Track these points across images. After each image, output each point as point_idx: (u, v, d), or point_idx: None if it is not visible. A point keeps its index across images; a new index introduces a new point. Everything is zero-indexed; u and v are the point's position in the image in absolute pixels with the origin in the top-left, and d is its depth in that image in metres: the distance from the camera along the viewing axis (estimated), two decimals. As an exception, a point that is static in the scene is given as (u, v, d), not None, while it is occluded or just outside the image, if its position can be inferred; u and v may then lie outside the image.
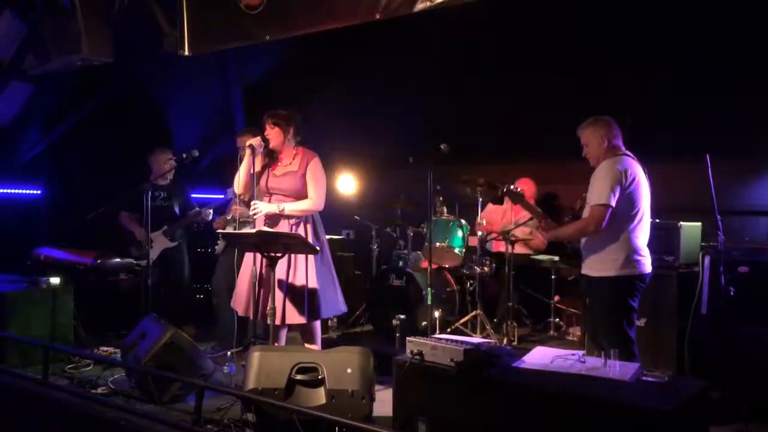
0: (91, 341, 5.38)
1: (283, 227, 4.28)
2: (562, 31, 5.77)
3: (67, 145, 7.15)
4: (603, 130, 3.86)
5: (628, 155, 3.85)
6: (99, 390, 4.38)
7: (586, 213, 3.82)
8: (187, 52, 5.16)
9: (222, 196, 5.69)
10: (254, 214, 4.29)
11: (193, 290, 6.49)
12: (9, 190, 7.17)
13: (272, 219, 4.32)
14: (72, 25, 5.10)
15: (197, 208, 5.91)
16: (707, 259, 4.08)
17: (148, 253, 5.21)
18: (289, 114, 4.38)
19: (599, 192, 3.69)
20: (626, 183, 3.70)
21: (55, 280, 5.27)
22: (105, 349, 5.24)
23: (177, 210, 5.95)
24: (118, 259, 5.89)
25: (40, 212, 7.27)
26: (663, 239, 4.26)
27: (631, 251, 3.72)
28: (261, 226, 4.24)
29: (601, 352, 3.29)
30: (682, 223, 4.29)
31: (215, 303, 5.60)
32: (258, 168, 4.35)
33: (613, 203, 3.66)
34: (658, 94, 5.43)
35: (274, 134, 4.33)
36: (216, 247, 5.69)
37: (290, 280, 4.26)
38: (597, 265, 3.79)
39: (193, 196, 6.22)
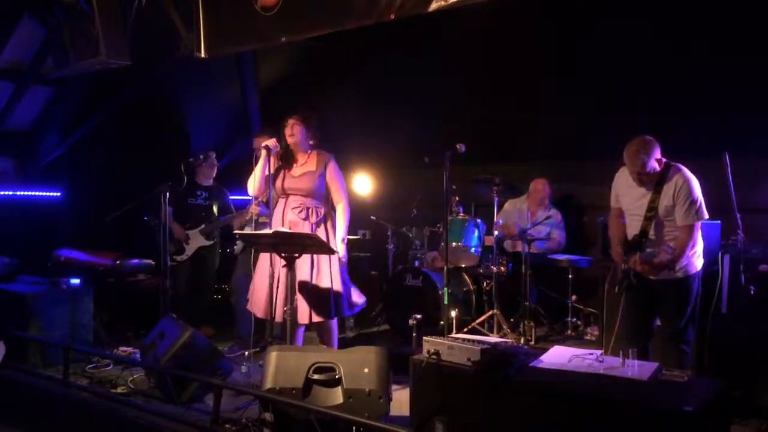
0: (111, 341, 5.44)
1: (305, 228, 4.30)
2: (579, 31, 5.74)
3: (87, 148, 7.22)
4: (657, 151, 3.80)
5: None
6: (119, 389, 4.43)
7: (666, 229, 3.82)
8: (203, 54, 5.19)
9: (250, 197, 5.76)
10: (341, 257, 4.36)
11: (212, 291, 6.55)
12: (30, 193, 7.26)
13: (293, 220, 4.34)
14: (90, 28, 5.15)
15: (234, 213, 6.00)
16: (727, 258, 4.04)
17: (168, 253, 5.26)
18: (311, 113, 4.41)
19: (692, 212, 3.74)
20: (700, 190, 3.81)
21: (75, 281, 5.33)
22: (124, 349, 5.29)
23: (216, 211, 6.07)
24: (137, 260, 5.95)
25: (61, 214, 7.35)
26: (682, 238, 4.23)
27: (701, 248, 3.90)
28: (279, 227, 4.27)
29: (625, 352, 3.26)
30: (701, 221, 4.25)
31: (233, 302, 5.64)
32: (273, 169, 4.37)
33: (707, 216, 3.79)
34: (675, 92, 5.39)
35: (297, 131, 4.34)
36: (235, 247, 5.73)
37: (314, 279, 4.28)
38: (681, 267, 3.82)
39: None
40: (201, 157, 5.59)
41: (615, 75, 5.62)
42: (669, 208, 3.77)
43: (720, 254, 4.09)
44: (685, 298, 3.85)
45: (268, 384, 3.54)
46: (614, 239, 4.07)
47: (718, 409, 2.97)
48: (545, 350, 3.54)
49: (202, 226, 5.96)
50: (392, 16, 4.13)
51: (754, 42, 4.91)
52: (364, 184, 6.91)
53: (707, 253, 4.20)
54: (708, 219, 3.81)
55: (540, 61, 6.05)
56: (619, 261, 3.94)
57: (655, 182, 3.79)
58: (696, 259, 3.88)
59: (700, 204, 3.75)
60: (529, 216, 6.01)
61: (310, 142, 4.42)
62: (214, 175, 6.13)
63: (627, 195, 3.98)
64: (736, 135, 4.88)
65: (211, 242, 6.04)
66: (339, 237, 4.35)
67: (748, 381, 3.86)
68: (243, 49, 5.44)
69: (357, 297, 4.52)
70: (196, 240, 5.97)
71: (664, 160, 3.84)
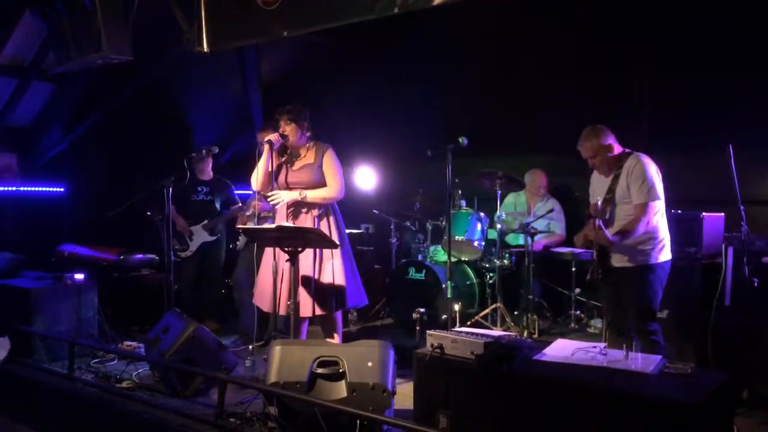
0: (115, 336, 5.45)
1: (307, 221, 4.31)
2: (580, 24, 5.73)
3: (89, 144, 7.23)
4: (606, 138, 3.95)
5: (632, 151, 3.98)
6: (123, 384, 4.44)
7: (621, 211, 3.87)
8: (205, 49, 5.17)
9: (251, 192, 5.75)
10: (276, 204, 4.32)
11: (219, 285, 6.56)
12: (33, 188, 7.27)
13: (295, 214, 4.35)
14: (92, 24, 5.14)
15: (240, 204, 5.98)
16: (730, 250, 4.03)
17: (171, 249, 5.27)
18: (301, 108, 4.41)
19: (647, 190, 3.78)
20: (659, 176, 3.85)
21: (79, 277, 5.34)
22: (129, 343, 5.31)
23: (218, 206, 6.04)
24: (140, 255, 5.95)
25: (64, 210, 7.37)
26: (685, 230, 4.22)
27: (663, 239, 3.89)
28: (283, 221, 4.28)
29: (627, 344, 3.28)
30: (704, 213, 4.25)
31: (237, 298, 5.65)
32: (275, 164, 4.38)
33: (661, 197, 3.81)
34: (678, 85, 5.37)
35: (290, 130, 4.36)
36: (237, 242, 5.73)
37: (317, 272, 4.30)
38: (633, 256, 3.85)
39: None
40: (204, 151, 5.59)
41: (617, 68, 5.61)
42: (624, 190, 3.88)
43: (724, 246, 4.08)
44: (642, 288, 3.84)
45: (272, 378, 3.55)
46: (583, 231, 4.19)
47: (721, 400, 2.97)
48: (548, 343, 3.54)
49: (205, 222, 5.96)
50: (396, 10, 4.11)
51: (756, 32, 4.89)
52: (366, 177, 6.91)
53: (711, 245, 4.20)
54: (654, 199, 3.79)
55: (541, 55, 6.03)
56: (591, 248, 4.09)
57: (614, 169, 3.94)
58: (658, 251, 3.86)
59: (653, 185, 3.80)
60: (529, 208, 6.00)
61: (307, 134, 4.43)
62: (209, 169, 6.09)
63: (597, 188, 4.11)
64: (739, 127, 4.87)
65: (215, 237, 6.04)
66: (308, 192, 4.29)
67: (752, 373, 3.86)
68: (244, 43, 5.43)
69: (360, 293, 4.52)
70: (200, 236, 5.98)
71: (626, 150, 3.97)
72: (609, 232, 3.82)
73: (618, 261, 3.91)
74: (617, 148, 3.96)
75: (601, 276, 3.98)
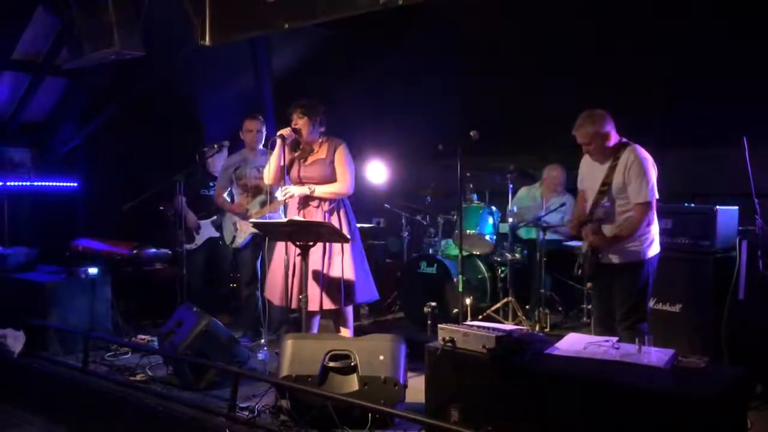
0: (129, 330, 5.49)
1: (318, 215, 4.32)
2: (594, 17, 5.68)
3: (103, 138, 7.28)
4: (605, 124, 3.81)
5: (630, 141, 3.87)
6: (137, 377, 4.47)
7: (617, 206, 3.80)
8: (207, 42, 5.14)
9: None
10: (286, 197, 4.33)
11: (228, 280, 6.58)
12: (47, 183, 7.33)
13: (306, 208, 4.36)
14: (104, 19, 5.17)
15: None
16: (744, 244, 4.00)
17: (183, 243, 5.29)
18: (315, 103, 4.40)
19: (644, 189, 3.68)
20: (655, 171, 3.76)
21: (93, 271, 5.38)
22: (142, 337, 5.34)
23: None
24: (154, 250, 5.98)
25: (78, 204, 7.43)
26: (699, 224, 4.18)
27: (654, 234, 3.83)
28: (294, 215, 4.29)
29: (640, 339, 3.25)
30: (718, 207, 4.21)
31: (246, 294, 5.66)
32: (288, 158, 4.39)
33: (657, 195, 3.71)
34: (692, 77, 5.32)
35: (303, 123, 4.35)
36: (234, 240, 5.57)
37: (326, 266, 4.30)
38: (625, 253, 3.79)
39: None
40: (216, 146, 5.59)
41: (631, 59, 5.56)
42: (620, 185, 3.76)
43: (738, 240, 4.05)
44: (634, 285, 3.78)
45: (285, 371, 3.57)
46: (574, 217, 4.12)
47: (735, 394, 2.96)
48: (560, 337, 3.53)
49: (214, 217, 5.96)
50: (400, 2, 4.07)
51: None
52: (378, 171, 6.91)
53: (725, 239, 4.17)
54: (652, 200, 3.69)
55: (555, 49, 5.99)
56: (579, 237, 4.05)
57: (610, 159, 3.82)
58: (649, 246, 3.79)
59: (652, 183, 3.69)
60: (542, 202, 5.98)
61: (321, 129, 4.43)
62: (222, 164, 6.09)
63: (588, 174, 4.00)
64: (754, 120, 4.82)
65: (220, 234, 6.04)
66: (317, 187, 4.29)
67: (766, 367, 3.84)
68: (246, 36, 5.38)
69: (371, 288, 4.52)
70: (207, 230, 5.97)
71: (623, 139, 3.85)
72: (607, 230, 3.75)
73: (609, 258, 3.84)
74: (614, 137, 3.82)
75: (592, 272, 3.89)
